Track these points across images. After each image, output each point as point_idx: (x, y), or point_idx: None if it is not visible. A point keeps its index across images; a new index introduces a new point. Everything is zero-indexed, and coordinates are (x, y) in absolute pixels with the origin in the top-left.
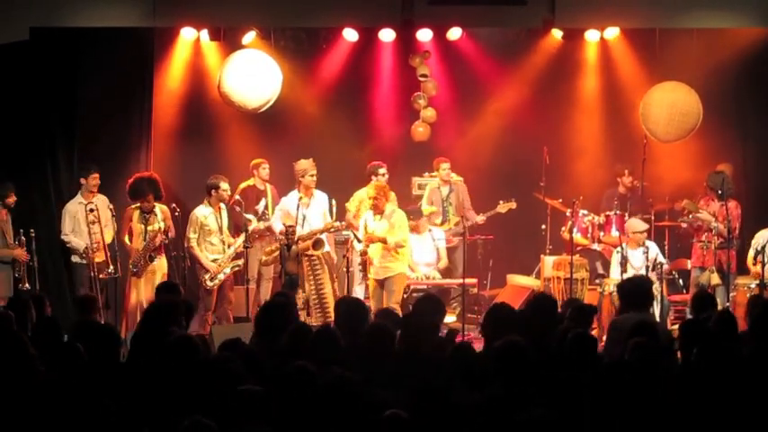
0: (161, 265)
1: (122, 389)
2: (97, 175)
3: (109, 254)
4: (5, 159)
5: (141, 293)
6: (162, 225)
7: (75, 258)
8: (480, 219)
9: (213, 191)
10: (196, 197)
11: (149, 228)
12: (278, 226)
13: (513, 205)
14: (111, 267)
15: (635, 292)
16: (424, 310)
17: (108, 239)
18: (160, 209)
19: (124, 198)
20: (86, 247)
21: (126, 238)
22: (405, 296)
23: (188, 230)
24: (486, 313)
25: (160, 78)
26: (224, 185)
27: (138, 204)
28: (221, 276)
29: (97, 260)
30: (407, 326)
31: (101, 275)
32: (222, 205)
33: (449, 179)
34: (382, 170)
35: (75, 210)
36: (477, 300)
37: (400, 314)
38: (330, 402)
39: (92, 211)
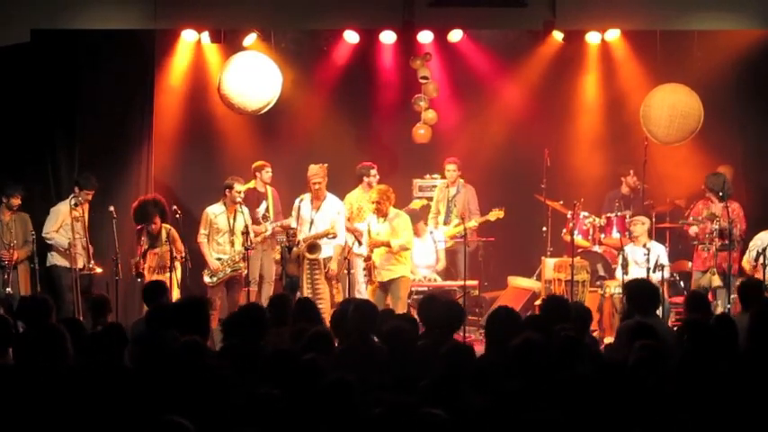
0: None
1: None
2: (92, 193)
3: (92, 253)
4: (6, 161)
5: None
6: (168, 247)
7: (55, 260)
8: (471, 224)
9: (227, 191)
10: (197, 199)
11: (158, 250)
12: (294, 224)
13: (501, 214)
14: (93, 263)
15: (642, 295)
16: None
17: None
18: (165, 230)
19: (126, 199)
20: (69, 244)
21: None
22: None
23: (200, 226)
24: (488, 316)
25: (161, 80)
26: (238, 187)
27: (143, 227)
28: (221, 275)
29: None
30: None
31: (82, 272)
32: (242, 209)
33: (455, 180)
34: (373, 171)
35: (66, 211)
36: (478, 302)
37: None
38: (329, 404)
39: (76, 206)
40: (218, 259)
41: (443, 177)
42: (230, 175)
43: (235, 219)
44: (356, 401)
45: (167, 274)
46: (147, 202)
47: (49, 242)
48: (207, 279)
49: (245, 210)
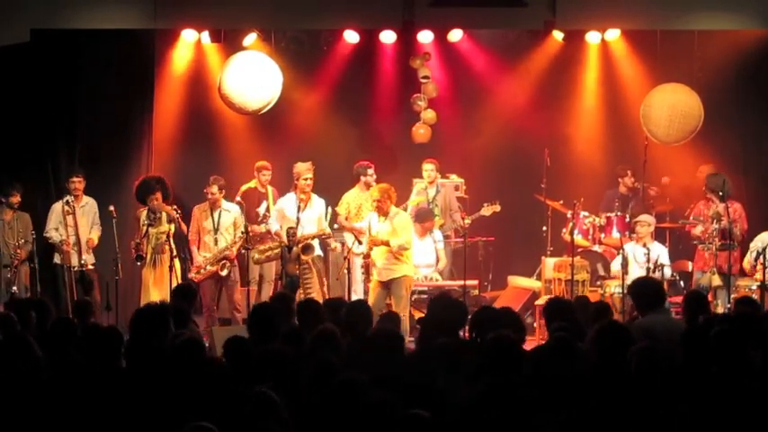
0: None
1: (125, 392)
2: (75, 179)
3: (83, 250)
4: (7, 161)
5: (151, 295)
6: (170, 227)
7: (56, 259)
8: (466, 221)
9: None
10: (197, 198)
11: (155, 230)
12: (274, 226)
13: (498, 208)
14: (84, 259)
15: (645, 293)
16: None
17: (95, 241)
18: (167, 212)
19: (126, 199)
20: (61, 240)
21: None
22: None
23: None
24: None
25: (161, 80)
26: (213, 188)
27: (144, 208)
28: (202, 271)
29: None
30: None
31: (75, 269)
32: (228, 206)
33: (434, 180)
34: (371, 170)
35: (59, 209)
36: (478, 301)
37: (405, 318)
38: (334, 403)
39: (67, 203)
40: (204, 257)
41: (420, 178)
42: (230, 174)
43: (220, 217)
44: (365, 401)
45: (165, 255)
46: (150, 177)
47: (49, 241)
48: (191, 274)
49: (233, 207)
